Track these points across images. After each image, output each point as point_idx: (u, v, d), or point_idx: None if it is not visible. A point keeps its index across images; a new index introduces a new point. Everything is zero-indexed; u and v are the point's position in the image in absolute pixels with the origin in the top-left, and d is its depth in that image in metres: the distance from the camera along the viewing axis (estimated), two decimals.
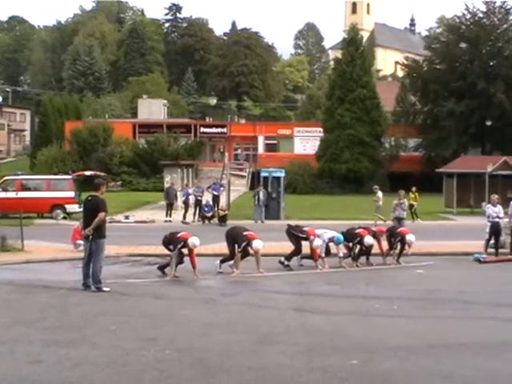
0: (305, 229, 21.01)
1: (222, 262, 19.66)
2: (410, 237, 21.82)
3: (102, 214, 16.39)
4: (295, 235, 20.87)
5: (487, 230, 23.90)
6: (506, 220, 24.39)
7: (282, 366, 9.91)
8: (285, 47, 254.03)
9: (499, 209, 24.06)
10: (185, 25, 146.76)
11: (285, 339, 11.63)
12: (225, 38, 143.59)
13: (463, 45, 74.17)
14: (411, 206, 38.16)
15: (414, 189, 40.17)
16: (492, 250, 23.61)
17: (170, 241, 18.79)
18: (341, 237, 20.93)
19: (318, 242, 20.26)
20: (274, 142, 79.11)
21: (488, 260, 22.66)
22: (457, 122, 67.88)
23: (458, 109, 67.55)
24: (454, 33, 75.61)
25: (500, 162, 43.78)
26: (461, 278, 19.75)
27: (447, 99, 69.64)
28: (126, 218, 38.35)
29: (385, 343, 11.36)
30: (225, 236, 19.97)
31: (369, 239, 21.11)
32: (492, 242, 23.80)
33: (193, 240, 18.42)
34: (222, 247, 20.92)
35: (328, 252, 21.11)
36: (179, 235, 18.71)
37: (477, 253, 23.06)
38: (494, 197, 24.70)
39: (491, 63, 72.50)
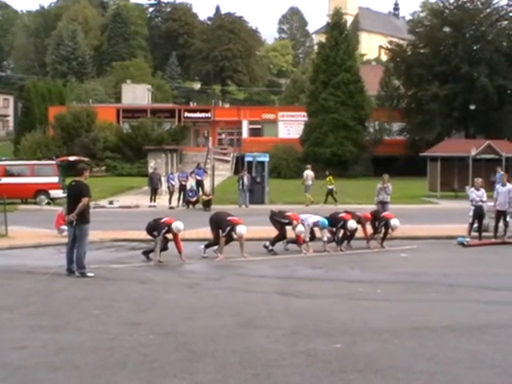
0: (287, 214, 21.05)
1: (207, 246, 19.69)
2: (394, 221, 21.88)
3: (85, 199, 16.36)
4: (278, 221, 20.90)
5: (471, 213, 24.01)
6: (490, 204, 24.50)
7: (267, 350, 9.96)
8: (269, 31, 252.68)
9: (482, 192, 24.15)
10: (168, 9, 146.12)
11: (269, 323, 11.67)
12: (209, 22, 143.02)
13: (447, 29, 74.26)
14: (330, 190, 38.93)
15: (327, 172, 40.49)
16: (475, 234, 23.74)
17: (154, 227, 18.80)
18: (325, 221, 20.95)
19: (300, 228, 20.27)
20: (258, 126, 79.07)
21: (471, 243, 22.77)
22: (440, 106, 67.98)
23: (441, 92, 67.64)
24: (438, 17, 75.58)
25: (484, 145, 43.92)
26: (444, 261, 19.83)
27: (431, 83, 69.70)
28: (110, 203, 38.33)
29: (369, 326, 11.42)
30: (209, 221, 20.00)
31: (352, 223, 21.15)
32: (475, 225, 23.93)
33: (177, 224, 18.44)
34: (207, 232, 20.95)
35: (313, 236, 21.15)
36: (163, 220, 18.72)
37: (460, 236, 23.18)
38: (478, 180, 24.80)
39: (475, 47, 72.60)
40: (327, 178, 39.65)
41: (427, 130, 67.35)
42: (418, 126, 69.74)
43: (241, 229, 19.11)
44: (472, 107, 66.77)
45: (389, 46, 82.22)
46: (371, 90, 75.64)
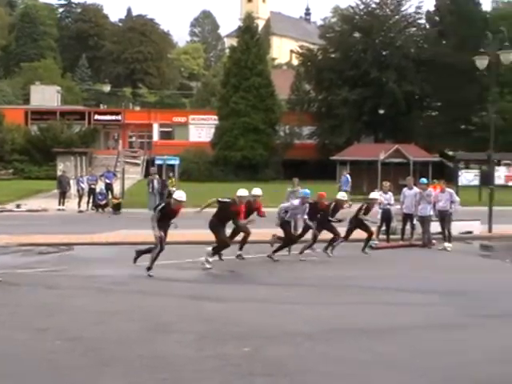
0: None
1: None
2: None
3: None
4: None
5: (379, 216, 24.34)
6: (398, 207, 24.86)
7: (177, 354, 9.88)
8: (181, 34, 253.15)
9: (390, 196, 24.54)
10: (79, 10, 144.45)
11: (180, 327, 11.58)
12: (120, 24, 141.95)
13: (357, 34, 75.51)
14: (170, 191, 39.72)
15: (171, 174, 41.02)
16: (383, 237, 24.09)
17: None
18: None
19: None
20: (169, 129, 78.89)
21: (380, 246, 23.10)
22: (350, 110, 68.97)
23: (351, 97, 68.63)
24: (348, 23, 76.78)
25: (392, 149, 44.71)
26: (354, 263, 20.01)
27: (341, 87, 70.64)
28: (18, 206, 37.59)
29: (282, 330, 11.42)
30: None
31: None
32: (383, 228, 24.28)
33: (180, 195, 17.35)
34: (117, 235, 20.65)
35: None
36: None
37: None
38: (386, 184, 25.24)
39: (384, 53, 73.92)
40: (169, 180, 40.00)
41: (337, 133, 68.33)
42: (328, 129, 70.64)
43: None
44: (381, 112, 67.96)
45: (300, 51, 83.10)
46: (282, 94, 76.24)
